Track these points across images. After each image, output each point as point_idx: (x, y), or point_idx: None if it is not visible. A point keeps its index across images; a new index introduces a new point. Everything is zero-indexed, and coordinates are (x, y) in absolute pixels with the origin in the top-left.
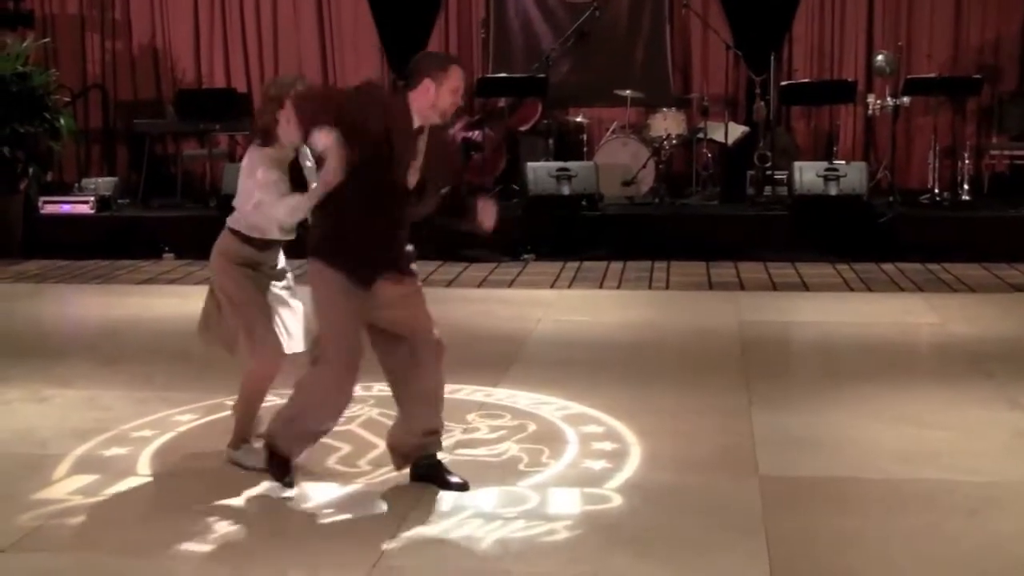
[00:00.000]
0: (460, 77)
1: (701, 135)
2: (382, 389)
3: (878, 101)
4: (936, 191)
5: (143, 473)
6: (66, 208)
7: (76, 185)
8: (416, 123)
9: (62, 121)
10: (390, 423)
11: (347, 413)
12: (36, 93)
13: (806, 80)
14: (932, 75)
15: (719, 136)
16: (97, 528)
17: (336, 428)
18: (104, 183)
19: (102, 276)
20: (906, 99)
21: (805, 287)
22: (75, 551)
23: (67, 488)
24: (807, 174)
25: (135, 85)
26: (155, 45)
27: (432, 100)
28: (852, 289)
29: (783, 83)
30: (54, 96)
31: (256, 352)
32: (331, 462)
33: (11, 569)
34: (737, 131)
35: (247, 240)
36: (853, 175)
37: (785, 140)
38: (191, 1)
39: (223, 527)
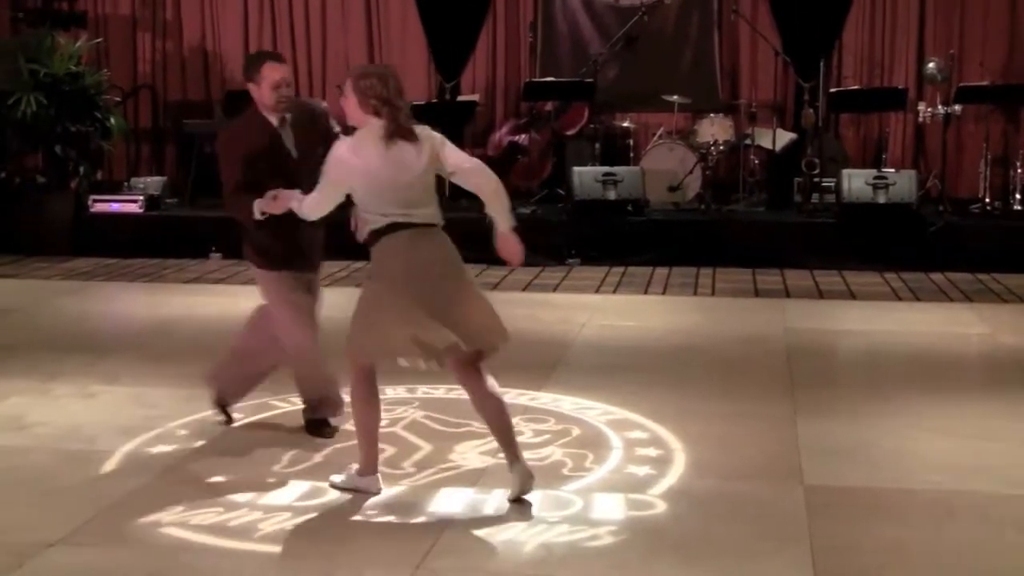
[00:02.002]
0: (276, 70)
1: (748, 141)
2: (426, 392)
3: (929, 109)
4: (987, 200)
5: (189, 471)
6: (115, 207)
7: (125, 184)
8: (273, 122)
9: (112, 120)
10: (435, 426)
11: (391, 415)
12: (88, 93)
13: (856, 87)
14: (984, 83)
15: (767, 142)
16: (144, 524)
17: (381, 430)
18: (153, 182)
19: (149, 275)
20: (957, 107)
21: (852, 296)
22: (122, 546)
23: (115, 484)
24: (856, 182)
25: (185, 85)
26: (205, 46)
27: (261, 99)
28: (900, 298)
29: (832, 90)
30: (105, 96)
31: None
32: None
33: (60, 563)
34: (785, 138)
35: None
36: (902, 183)
37: (834, 147)
38: (241, 3)
39: (269, 526)
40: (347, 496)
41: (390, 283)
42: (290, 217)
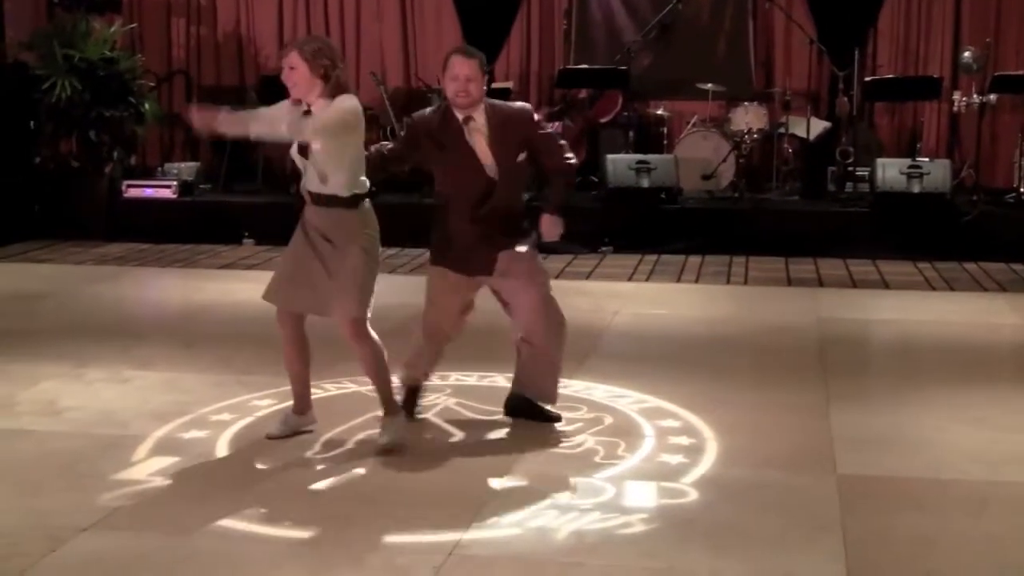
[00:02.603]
0: (458, 64)
1: (782, 130)
2: (459, 379)
3: (964, 98)
4: (1021, 190)
5: (222, 456)
6: (149, 192)
7: (159, 169)
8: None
9: (147, 106)
10: (468, 413)
11: (425, 402)
12: (122, 78)
13: (890, 76)
14: (1021, 72)
15: (801, 131)
16: (177, 510)
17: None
18: (186, 168)
19: (183, 260)
20: (993, 96)
21: (886, 285)
22: (155, 532)
23: (147, 469)
24: (890, 171)
25: (219, 71)
26: (239, 31)
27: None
28: (934, 288)
29: (867, 78)
30: (139, 81)
31: None
32: (409, 452)
33: (94, 548)
34: (819, 126)
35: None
36: (937, 173)
37: (868, 136)
38: None
39: (301, 512)
40: (379, 482)
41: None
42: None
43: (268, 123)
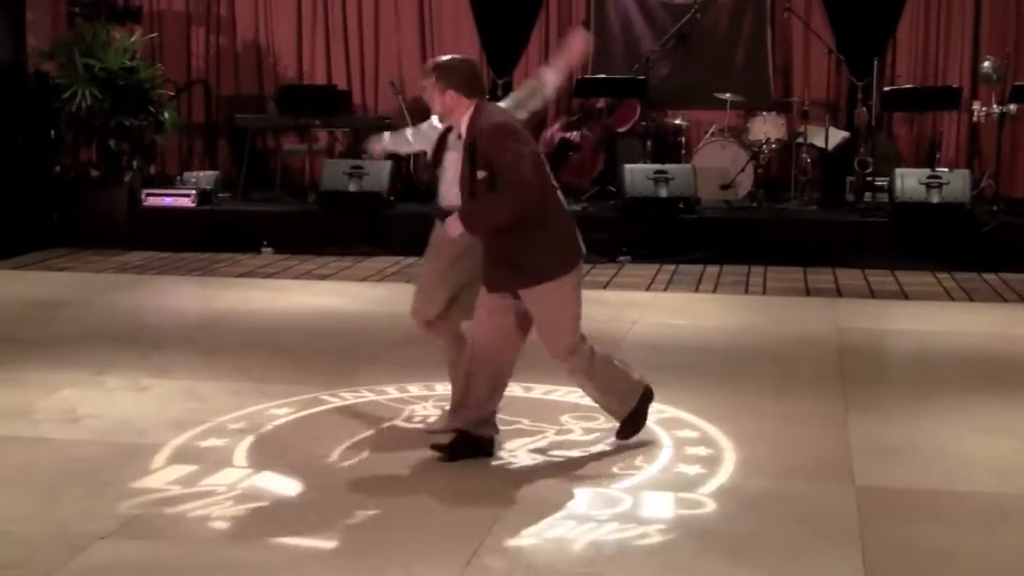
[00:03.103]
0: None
1: (801, 139)
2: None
3: (983, 108)
4: None
5: (239, 465)
6: (168, 201)
7: (178, 178)
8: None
9: (166, 115)
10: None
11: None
12: (142, 87)
13: (909, 85)
14: None
15: (819, 141)
16: (194, 518)
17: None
18: (205, 177)
19: (201, 269)
20: (1012, 106)
21: (904, 295)
22: (173, 540)
23: (165, 478)
24: (909, 181)
25: (238, 80)
26: (258, 41)
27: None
28: (953, 298)
29: (886, 88)
30: (159, 90)
31: None
32: (425, 458)
33: (112, 556)
34: (838, 136)
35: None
36: (956, 183)
37: (886, 146)
38: None
39: (318, 521)
40: (397, 492)
41: None
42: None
43: (424, 140)
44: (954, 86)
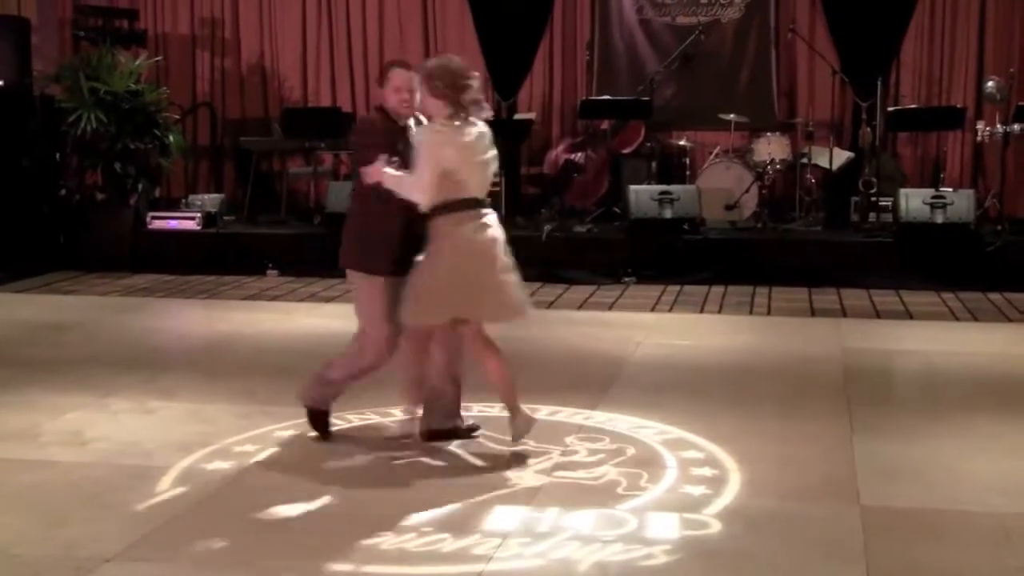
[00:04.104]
0: (400, 77)
1: (805, 160)
2: (482, 410)
3: (987, 128)
4: None
5: (245, 487)
6: (173, 224)
7: (183, 201)
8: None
9: (171, 138)
10: (491, 444)
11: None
12: (147, 110)
13: (913, 106)
14: None
15: (824, 161)
16: (201, 541)
17: (436, 448)
18: (210, 199)
19: (207, 291)
20: (1017, 126)
21: (909, 315)
22: (179, 562)
23: (171, 500)
24: (913, 201)
25: (243, 103)
26: (263, 64)
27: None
28: (958, 318)
29: (890, 108)
30: (164, 113)
31: None
32: (431, 481)
33: None
34: (842, 156)
35: None
36: (960, 203)
37: (891, 166)
38: (299, 21)
39: (323, 543)
40: (403, 513)
41: None
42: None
43: None
44: (958, 106)
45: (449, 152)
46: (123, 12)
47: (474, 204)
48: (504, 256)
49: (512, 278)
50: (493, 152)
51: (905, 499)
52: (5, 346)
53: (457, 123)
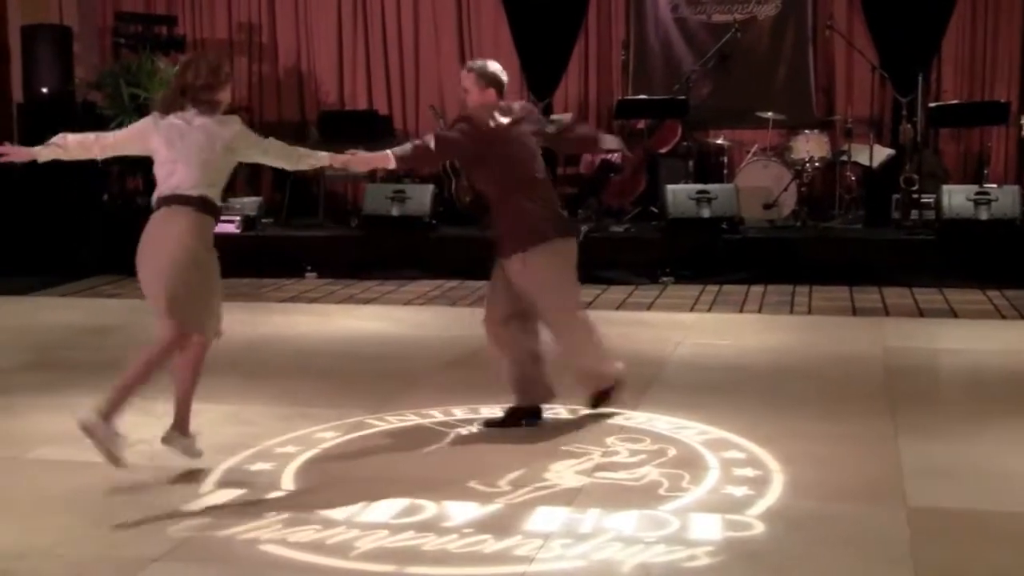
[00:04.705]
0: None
1: (845, 158)
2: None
3: None
4: None
5: (287, 489)
6: None
7: (222, 205)
8: None
9: None
10: (533, 445)
11: (487, 432)
12: None
13: (955, 101)
14: None
15: (863, 159)
16: (243, 541)
17: (477, 448)
18: (249, 203)
19: (246, 294)
20: None
21: (953, 314)
22: (222, 563)
23: (214, 501)
24: (956, 198)
25: (280, 106)
26: (300, 68)
27: None
28: (1003, 316)
29: (931, 104)
30: None
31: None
32: (471, 482)
33: None
34: (882, 154)
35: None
36: (1005, 199)
37: (933, 163)
38: (335, 26)
39: (364, 544)
40: (443, 515)
41: None
42: None
43: None
44: (1002, 100)
45: None
46: (162, 19)
47: None
48: None
49: None
50: None
51: (952, 500)
52: (50, 350)
53: None
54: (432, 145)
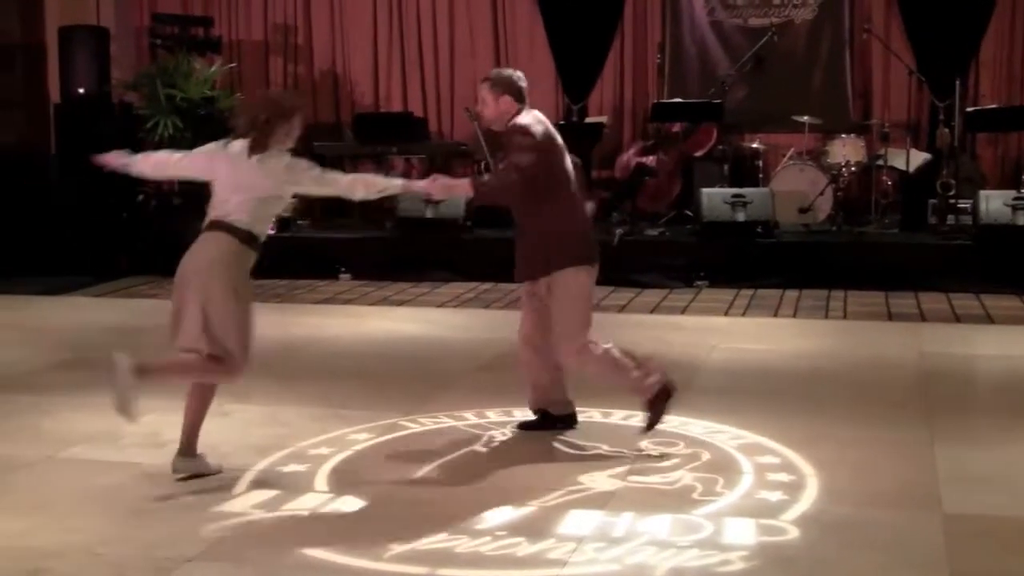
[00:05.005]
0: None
1: (881, 162)
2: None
3: None
4: None
5: (320, 490)
6: None
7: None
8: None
9: None
10: (564, 448)
11: (522, 435)
12: (222, 116)
13: (993, 106)
14: None
15: (900, 163)
16: (276, 543)
17: (511, 451)
18: None
19: (281, 295)
20: None
21: (990, 320)
22: (255, 563)
23: (248, 502)
24: (993, 203)
25: (315, 108)
26: (335, 70)
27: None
28: None
29: (968, 109)
30: None
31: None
32: (504, 484)
33: None
34: (919, 158)
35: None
36: None
37: (970, 168)
38: (371, 28)
39: (398, 547)
40: (476, 518)
41: None
42: None
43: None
44: None
45: None
46: (198, 20)
47: None
48: None
49: None
50: None
51: (989, 507)
52: (86, 349)
53: None
54: (515, 177)
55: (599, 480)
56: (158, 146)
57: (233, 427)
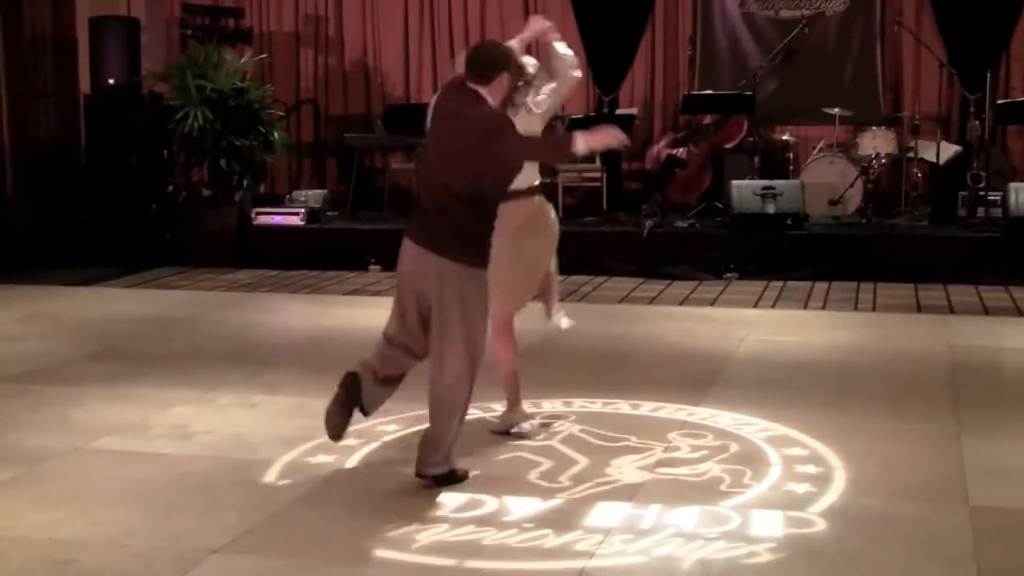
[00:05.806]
0: None
1: (911, 154)
2: (583, 405)
3: None
4: None
5: (348, 481)
6: (277, 219)
7: (287, 197)
8: None
9: (276, 135)
10: (591, 440)
11: (549, 429)
12: (252, 107)
13: None
14: None
15: (930, 155)
16: (304, 534)
17: (536, 443)
18: (314, 195)
19: (310, 286)
20: None
21: (1019, 312)
22: (284, 556)
23: (276, 493)
24: (1023, 195)
25: (346, 100)
26: (366, 61)
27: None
28: None
29: (999, 101)
30: (269, 110)
31: None
32: (532, 477)
33: (225, 570)
34: (949, 151)
35: None
36: None
37: (1000, 160)
38: (402, 19)
39: (426, 538)
40: (504, 508)
41: None
42: None
43: None
44: None
45: None
46: (229, 11)
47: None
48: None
49: None
50: None
51: (1017, 500)
52: (114, 340)
53: None
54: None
55: (627, 472)
56: (187, 137)
57: (262, 418)
